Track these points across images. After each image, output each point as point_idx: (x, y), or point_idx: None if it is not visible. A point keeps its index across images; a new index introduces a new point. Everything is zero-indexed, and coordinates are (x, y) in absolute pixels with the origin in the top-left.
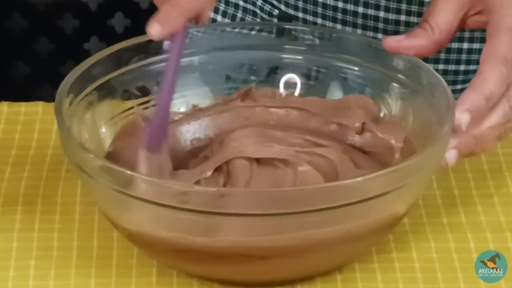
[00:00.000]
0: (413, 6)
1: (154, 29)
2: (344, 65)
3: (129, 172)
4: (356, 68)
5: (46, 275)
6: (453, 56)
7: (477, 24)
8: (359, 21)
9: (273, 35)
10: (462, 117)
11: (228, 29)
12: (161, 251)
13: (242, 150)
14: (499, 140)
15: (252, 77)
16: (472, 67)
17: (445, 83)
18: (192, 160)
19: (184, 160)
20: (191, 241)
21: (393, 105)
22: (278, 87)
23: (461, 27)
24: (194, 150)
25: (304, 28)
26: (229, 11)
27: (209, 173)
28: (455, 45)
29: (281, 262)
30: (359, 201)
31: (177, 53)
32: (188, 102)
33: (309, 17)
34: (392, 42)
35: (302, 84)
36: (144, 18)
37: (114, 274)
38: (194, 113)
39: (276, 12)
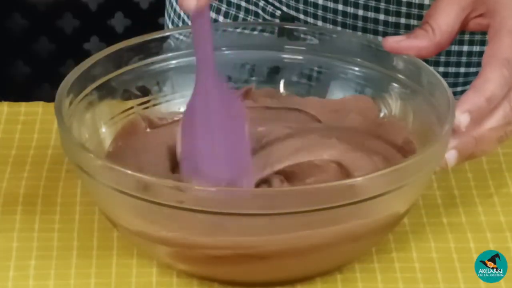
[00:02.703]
0: (413, 9)
1: (190, 1)
2: (344, 65)
3: (129, 172)
4: (356, 68)
5: (46, 275)
6: (453, 59)
7: (478, 26)
8: (359, 23)
9: (274, 35)
10: (462, 117)
11: (229, 29)
12: (161, 251)
13: None
14: (500, 142)
15: (253, 77)
16: (472, 69)
17: (445, 83)
18: None
19: None
20: (191, 241)
21: (393, 105)
22: (278, 87)
23: (463, 29)
24: None
25: (305, 28)
26: (231, 12)
27: None
28: (455, 47)
29: (281, 262)
30: (359, 201)
31: (209, 25)
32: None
33: (310, 19)
34: (392, 42)
35: (302, 84)
36: (144, 18)
37: (114, 274)
38: None
39: (278, 13)
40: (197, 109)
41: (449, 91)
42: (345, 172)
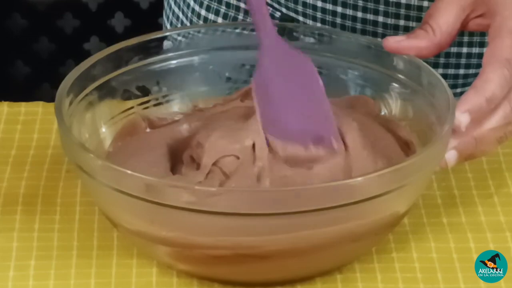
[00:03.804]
0: (411, 11)
1: None
2: (344, 65)
3: (129, 172)
4: (356, 68)
5: (46, 275)
6: (452, 61)
7: (478, 26)
8: (358, 26)
9: None
10: (462, 117)
11: (229, 29)
12: (161, 251)
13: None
14: (499, 143)
15: (252, 78)
16: (471, 71)
17: (445, 83)
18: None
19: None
20: (191, 241)
21: (393, 105)
22: None
23: (463, 30)
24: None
25: (304, 29)
26: (230, 13)
27: (201, 178)
28: (454, 49)
29: (281, 262)
30: (359, 201)
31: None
32: (188, 102)
33: (309, 21)
34: (392, 42)
35: None
36: (144, 18)
37: (114, 274)
38: (194, 113)
39: (278, 14)
40: (269, 74)
41: (449, 91)
42: (348, 168)
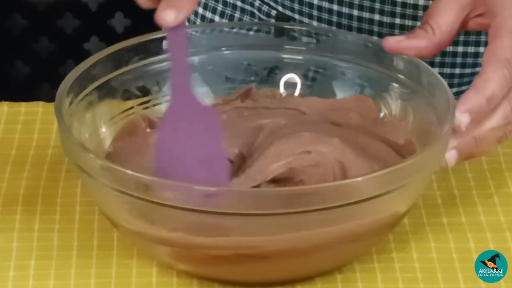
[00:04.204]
0: (407, 9)
1: (169, 16)
2: (344, 65)
3: (129, 172)
4: (356, 68)
5: (46, 275)
6: (448, 60)
7: (478, 26)
8: (354, 23)
9: (272, 35)
10: (462, 117)
11: (226, 29)
12: (161, 251)
13: None
14: (499, 142)
15: (252, 77)
16: (467, 70)
17: (445, 83)
18: None
19: None
20: (191, 241)
21: (393, 105)
22: (278, 87)
23: (462, 29)
24: None
25: (303, 28)
26: (227, 11)
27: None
28: (450, 48)
29: (281, 262)
30: (359, 201)
31: (186, 39)
32: None
33: (305, 19)
34: (392, 42)
35: (302, 84)
36: (144, 18)
37: (114, 274)
38: None
39: (274, 12)
40: (172, 121)
41: (449, 91)
42: (343, 173)
